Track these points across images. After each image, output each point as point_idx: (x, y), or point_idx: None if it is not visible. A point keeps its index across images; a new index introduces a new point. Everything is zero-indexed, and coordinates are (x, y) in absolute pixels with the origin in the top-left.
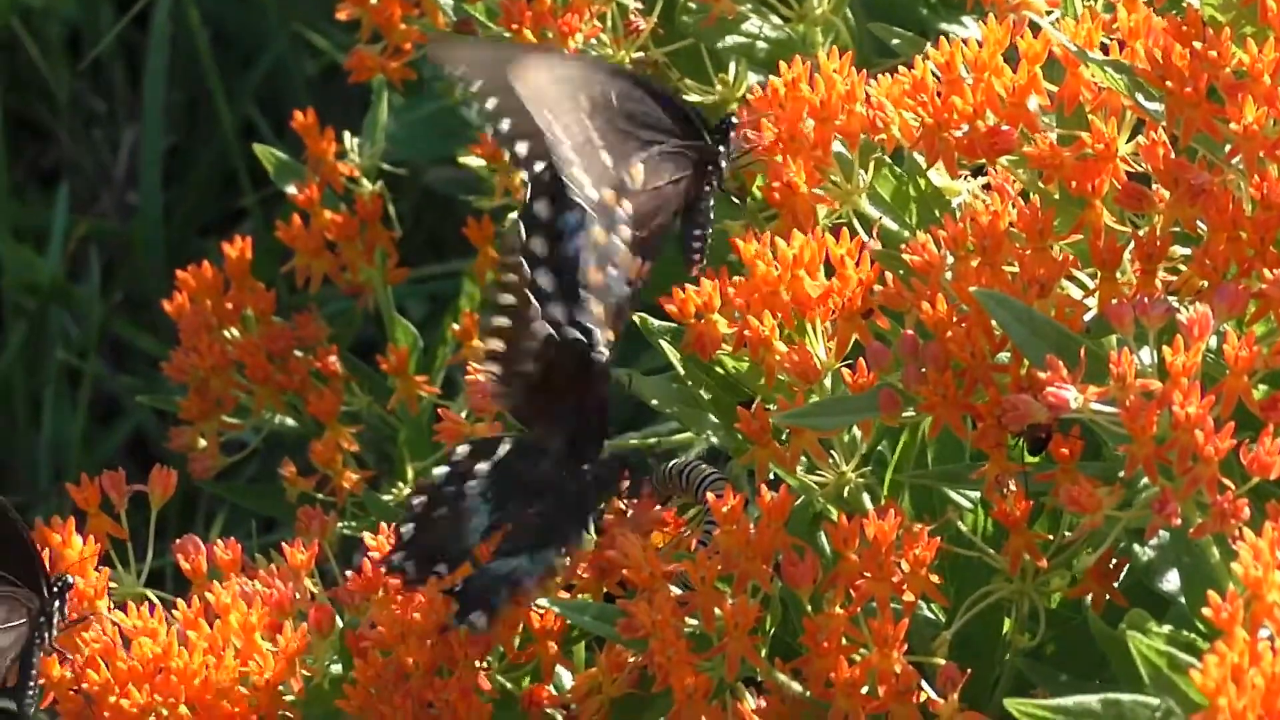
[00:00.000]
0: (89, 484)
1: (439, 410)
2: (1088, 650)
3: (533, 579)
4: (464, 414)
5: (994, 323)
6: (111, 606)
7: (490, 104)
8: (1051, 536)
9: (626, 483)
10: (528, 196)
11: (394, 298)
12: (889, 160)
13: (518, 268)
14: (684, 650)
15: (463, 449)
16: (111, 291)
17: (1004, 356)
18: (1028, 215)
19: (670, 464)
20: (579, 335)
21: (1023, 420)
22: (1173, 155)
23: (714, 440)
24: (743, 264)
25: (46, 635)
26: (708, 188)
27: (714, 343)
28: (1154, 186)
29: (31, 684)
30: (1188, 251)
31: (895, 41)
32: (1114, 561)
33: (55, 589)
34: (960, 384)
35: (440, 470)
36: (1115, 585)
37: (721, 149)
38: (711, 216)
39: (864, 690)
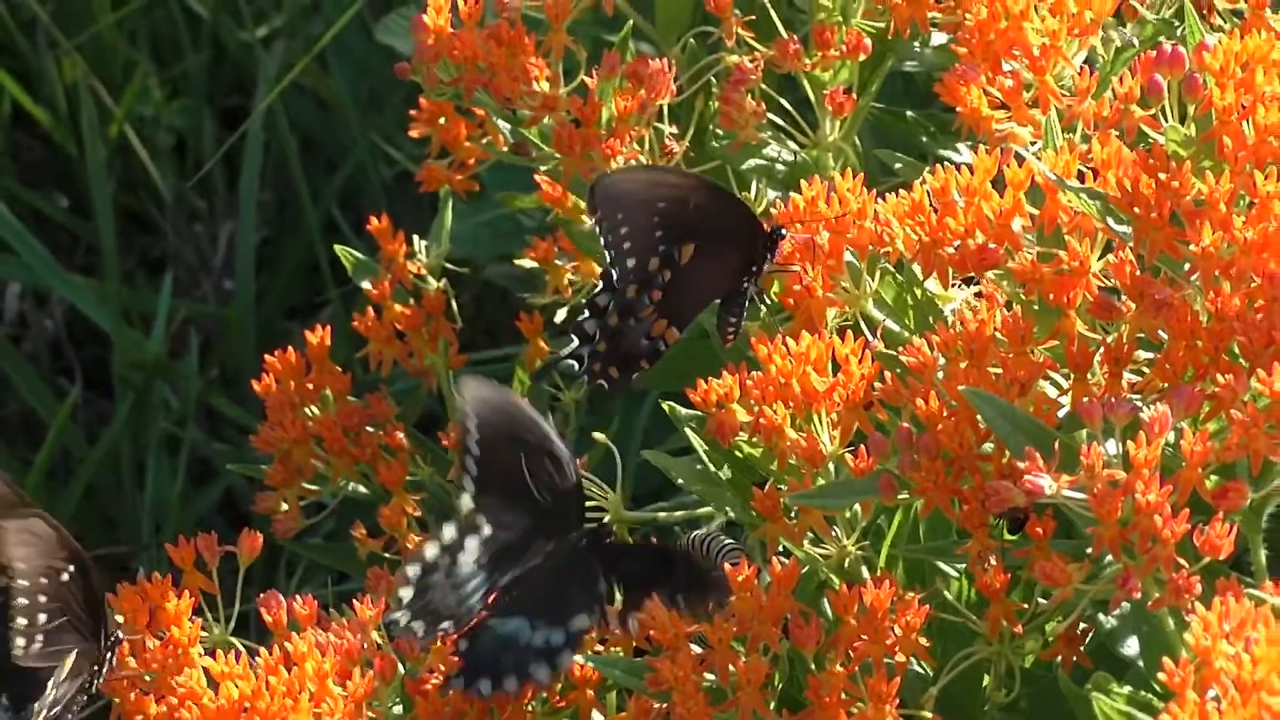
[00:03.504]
0: (185, 545)
1: None
2: (1057, 706)
3: (541, 665)
4: None
5: (979, 418)
6: (202, 653)
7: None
8: (1027, 605)
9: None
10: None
11: (454, 379)
12: (892, 269)
13: None
14: (702, 702)
15: (449, 532)
16: (208, 368)
17: (988, 447)
18: (1011, 323)
19: (693, 534)
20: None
21: (1003, 504)
22: (1138, 272)
23: (732, 514)
24: (759, 360)
25: (95, 682)
26: (747, 283)
27: (732, 430)
28: (1122, 299)
29: None
30: (1150, 357)
31: (898, 165)
32: (1081, 628)
33: (111, 641)
34: (949, 471)
35: (431, 549)
36: (1082, 649)
37: (768, 255)
38: (747, 307)
39: None
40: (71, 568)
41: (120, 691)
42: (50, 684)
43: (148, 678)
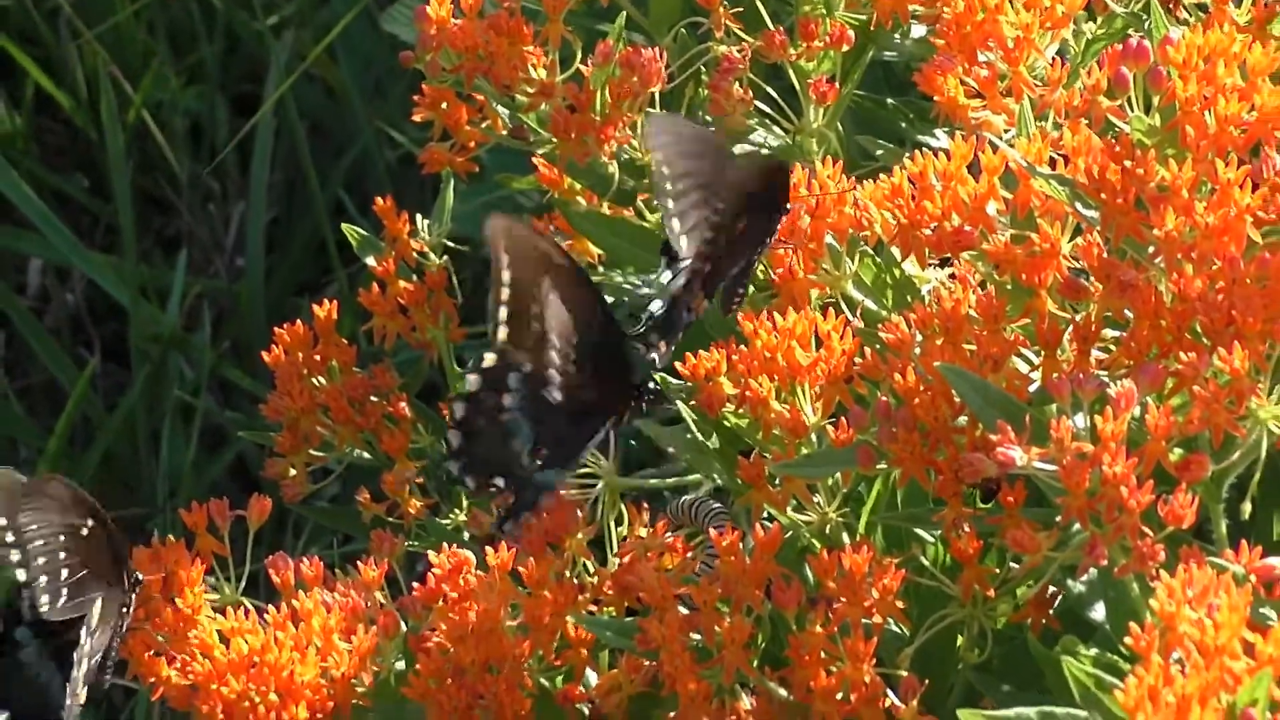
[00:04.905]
0: (198, 509)
1: None
2: (1027, 666)
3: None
4: None
5: (954, 392)
6: (212, 614)
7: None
8: (999, 570)
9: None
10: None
11: (454, 352)
12: (871, 251)
13: None
14: (689, 661)
15: (490, 358)
16: (221, 341)
17: (962, 420)
18: (984, 302)
19: (682, 499)
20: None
21: (976, 474)
22: (1105, 255)
23: (719, 481)
24: (746, 335)
25: (123, 625)
26: (756, 254)
27: (720, 401)
28: (1090, 280)
29: (109, 665)
30: (1117, 335)
31: (879, 151)
32: (1051, 593)
33: (133, 582)
34: (925, 443)
35: (473, 378)
36: (1051, 612)
37: (774, 228)
38: (750, 278)
39: (839, 696)
40: (90, 522)
41: (136, 653)
42: (84, 633)
43: (161, 639)
